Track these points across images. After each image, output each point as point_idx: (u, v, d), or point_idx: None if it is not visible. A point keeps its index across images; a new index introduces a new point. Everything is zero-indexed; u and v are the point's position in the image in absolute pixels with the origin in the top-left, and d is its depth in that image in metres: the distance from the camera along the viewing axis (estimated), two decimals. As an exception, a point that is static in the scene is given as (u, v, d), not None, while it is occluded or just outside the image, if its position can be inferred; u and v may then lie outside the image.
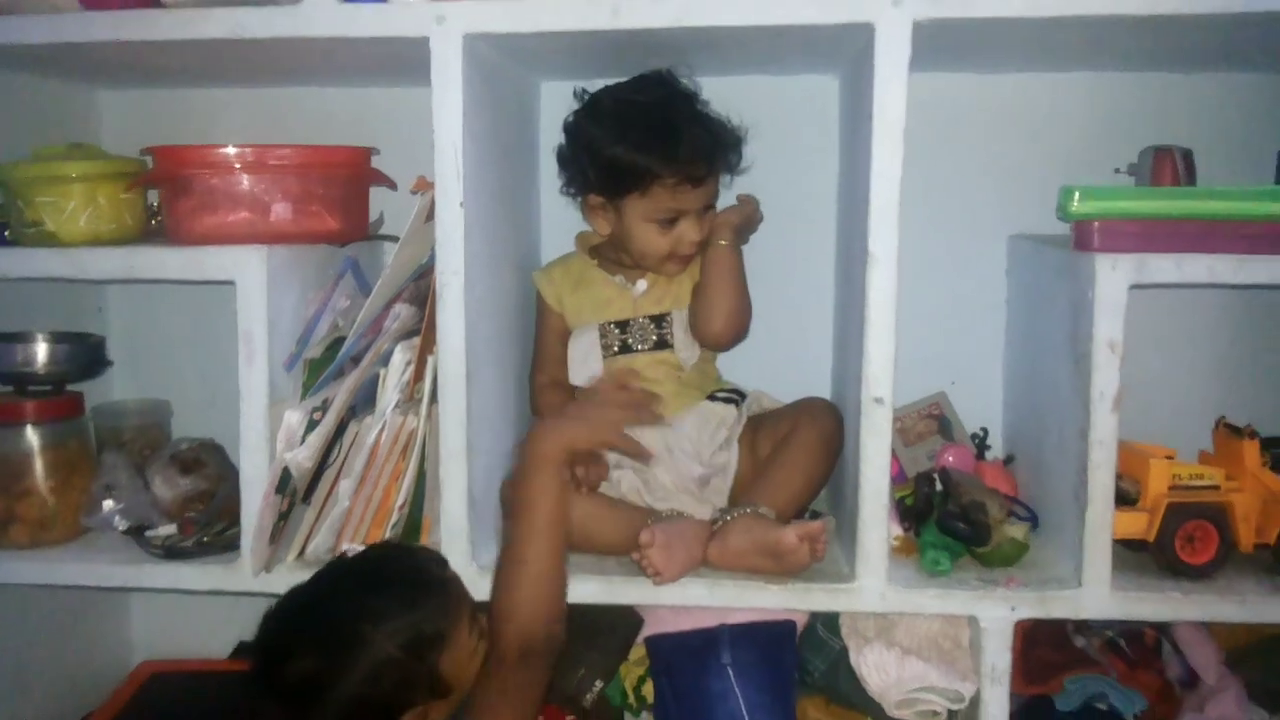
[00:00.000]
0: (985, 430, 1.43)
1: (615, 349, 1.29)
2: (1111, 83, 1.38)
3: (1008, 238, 1.42)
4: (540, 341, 1.34)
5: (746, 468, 1.26)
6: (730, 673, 1.16)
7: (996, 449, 1.43)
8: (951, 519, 1.18)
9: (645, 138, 1.20)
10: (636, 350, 1.29)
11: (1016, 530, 1.18)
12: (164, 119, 1.50)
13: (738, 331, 1.28)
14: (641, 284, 1.29)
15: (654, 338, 1.29)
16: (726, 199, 1.32)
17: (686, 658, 1.17)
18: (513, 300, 1.31)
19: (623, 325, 1.29)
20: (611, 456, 1.27)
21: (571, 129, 1.27)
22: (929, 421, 1.43)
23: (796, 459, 1.21)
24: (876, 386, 1.09)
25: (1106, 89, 1.38)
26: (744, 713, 1.15)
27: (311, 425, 1.12)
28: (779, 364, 1.40)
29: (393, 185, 1.31)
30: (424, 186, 1.15)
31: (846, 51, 1.23)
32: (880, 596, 1.12)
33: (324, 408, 1.12)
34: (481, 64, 1.15)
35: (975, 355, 1.44)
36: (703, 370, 1.32)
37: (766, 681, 1.16)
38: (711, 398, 1.30)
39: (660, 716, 1.21)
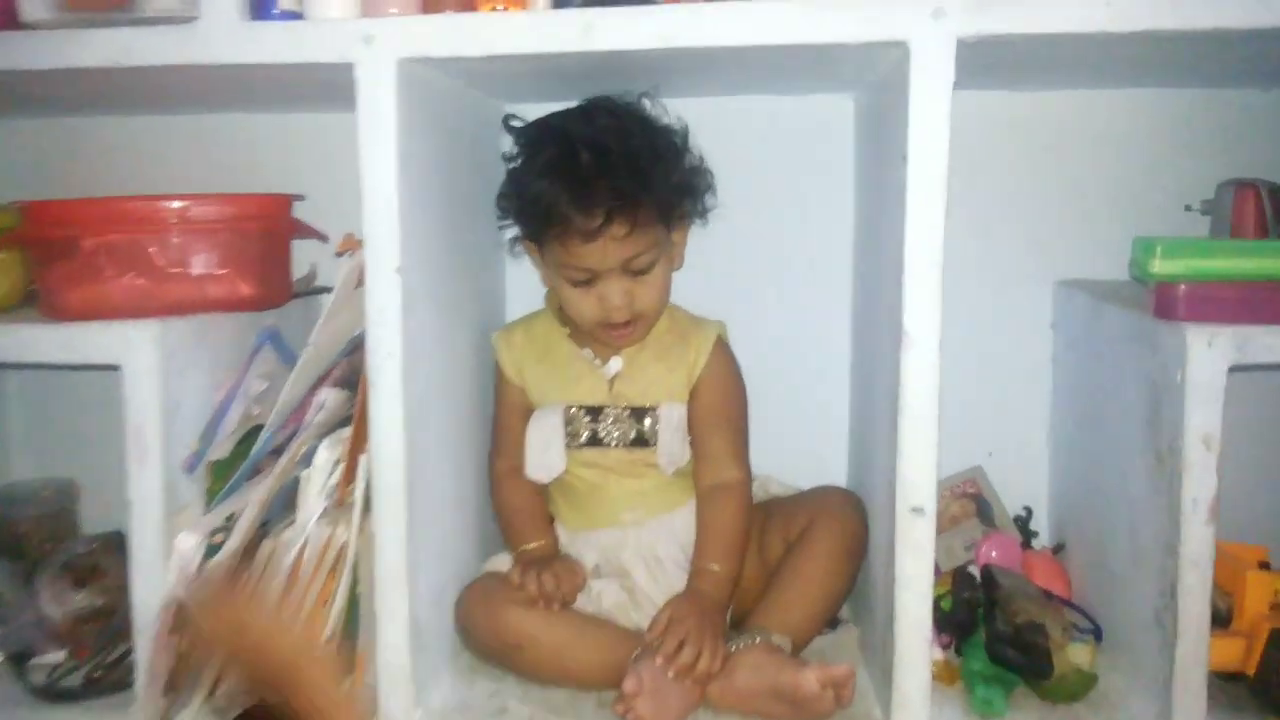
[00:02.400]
0: (1029, 511, 1.22)
1: (582, 438, 1.06)
2: (1178, 100, 1.17)
3: (1054, 284, 1.21)
4: (499, 419, 1.12)
5: (753, 572, 1.05)
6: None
7: (1041, 531, 1.22)
8: (1003, 645, 0.97)
9: (545, 175, 0.99)
10: (608, 445, 1.06)
11: (1081, 655, 0.97)
12: (50, 154, 1.27)
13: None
14: (615, 362, 1.07)
15: (631, 434, 1.06)
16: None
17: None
18: (472, 379, 1.09)
19: (594, 411, 1.06)
20: (590, 559, 1.06)
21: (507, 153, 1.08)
22: (964, 502, 1.21)
23: (814, 570, 1.00)
24: (915, 494, 0.88)
25: (1172, 106, 1.17)
26: None
27: (212, 551, 0.90)
28: (784, 438, 1.18)
29: (322, 238, 1.09)
30: (352, 246, 0.93)
31: (867, 72, 1.01)
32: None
33: (228, 527, 0.90)
34: (424, 92, 0.93)
35: (1016, 421, 1.22)
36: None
37: None
38: None
39: None
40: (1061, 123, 1.19)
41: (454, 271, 1.03)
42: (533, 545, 1.07)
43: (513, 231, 1.09)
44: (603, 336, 1.05)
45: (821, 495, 1.07)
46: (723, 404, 1.06)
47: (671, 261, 1.06)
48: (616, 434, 1.05)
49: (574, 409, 1.06)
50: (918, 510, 0.88)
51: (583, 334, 1.08)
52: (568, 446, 1.06)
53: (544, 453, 1.05)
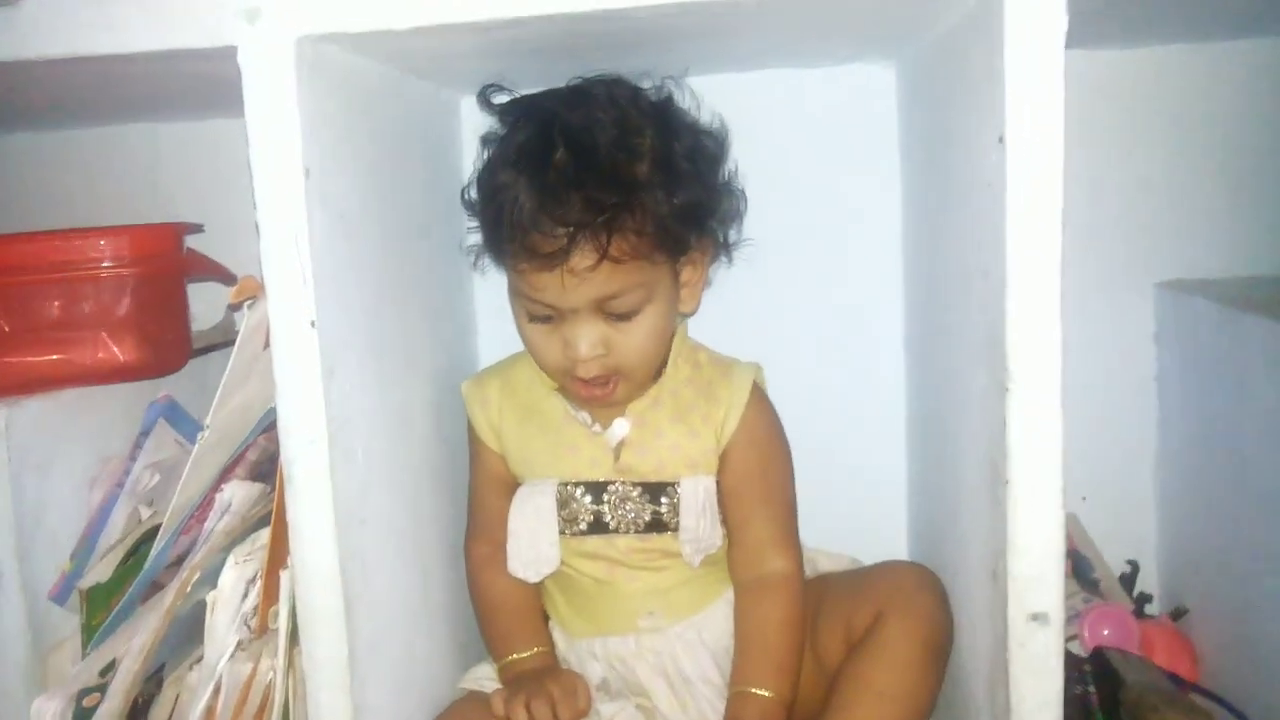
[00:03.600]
0: (1135, 566, 0.99)
1: (582, 524, 0.81)
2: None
3: (1154, 286, 0.97)
4: (475, 491, 0.87)
5: (806, 677, 0.81)
6: None
7: (1153, 592, 0.99)
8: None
9: (509, 167, 0.75)
10: (616, 531, 0.81)
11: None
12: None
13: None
14: (620, 425, 0.81)
15: (646, 517, 0.81)
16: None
17: None
18: (433, 445, 0.84)
19: (596, 489, 0.81)
20: (595, 674, 0.83)
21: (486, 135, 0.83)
22: (1056, 561, 0.98)
23: (891, 684, 0.75)
24: (1036, 596, 0.64)
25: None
26: None
27: (84, 715, 0.67)
28: (827, 502, 0.94)
29: (228, 279, 0.85)
30: (251, 292, 0.69)
31: (924, 25, 0.78)
32: None
33: (101, 688, 0.67)
34: (341, 83, 0.69)
35: (1114, 458, 0.99)
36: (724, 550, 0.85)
37: None
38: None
39: None
40: (1165, 81, 0.95)
41: (399, 313, 0.79)
42: (522, 654, 0.83)
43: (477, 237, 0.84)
44: (574, 392, 0.80)
45: (891, 576, 0.82)
46: (762, 473, 0.82)
47: (675, 304, 0.80)
48: (626, 517, 0.81)
49: (569, 486, 0.81)
50: (1040, 618, 0.64)
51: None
52: (563, 534, 0.81)
53: (532, 545, 0.81)
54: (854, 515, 0.95)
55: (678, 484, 0.80)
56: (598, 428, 0.81)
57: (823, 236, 0.98)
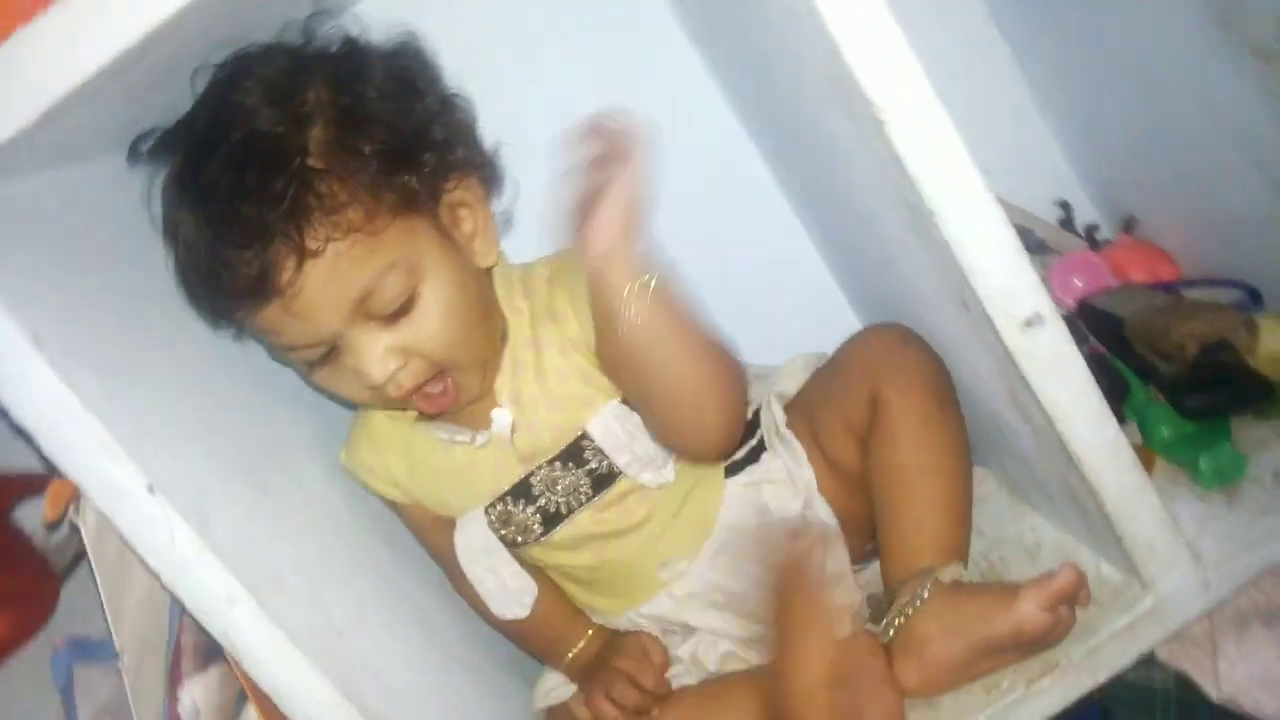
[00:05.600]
0: (1066, 205, 0.94)
1: (537, 529, 0.71)
2: None
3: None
4: (425, 545, 0.77)
5: (828, 488, 0.75)
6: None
7: (1095, 219, 0.95)
8: (1188, 393, 0.71)
9: (171, 236, 0.63)
10: (570, 513, 0.71)
11: (1276, 334, 0.71)
12: None
13: (736, 417, 0.68)
14: (499, 416, 0.68)
15: (585, 483, 0.70)
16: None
17: None
18: (362, 521, 0.75)
19: (520, 492, 0.71)
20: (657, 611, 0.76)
21: None
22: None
23: (923, 456, 0.69)
24: (1018, 304, 0.58)
25: None
26: None
27: None
28: (763, 316, 0.85)
29: (33, 486, 0.71)
30: (66, 494, 0.57)
31: None
32: (1204, 587, 0.64)
33: None
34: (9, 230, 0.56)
35: (996, 121, 0.92)
36: None
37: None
38: (732, 472, 0.75)
39: None
40: None
41: (237, 421, 0.68)
42: (578, 646, 0.76)
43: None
44: (420, 410, 0.67)
45: (861, 352, 0.74)
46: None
47: (467, 264, 0.66)
48: (569, 495, 0.70)
49: (495, 505, 0.71)
50: (1034, 321, 0.58)
51: None
52: (526, 546, 0.72)
53: (499, 585, 0.72)
54: (790, 318, 0.89)
55: (586, 427, 0.69)
56: (480, 437, 0.69)
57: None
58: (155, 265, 0.69)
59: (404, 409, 0.69)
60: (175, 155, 0.62)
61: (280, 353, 0.65)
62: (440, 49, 0.69)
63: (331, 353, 0.63)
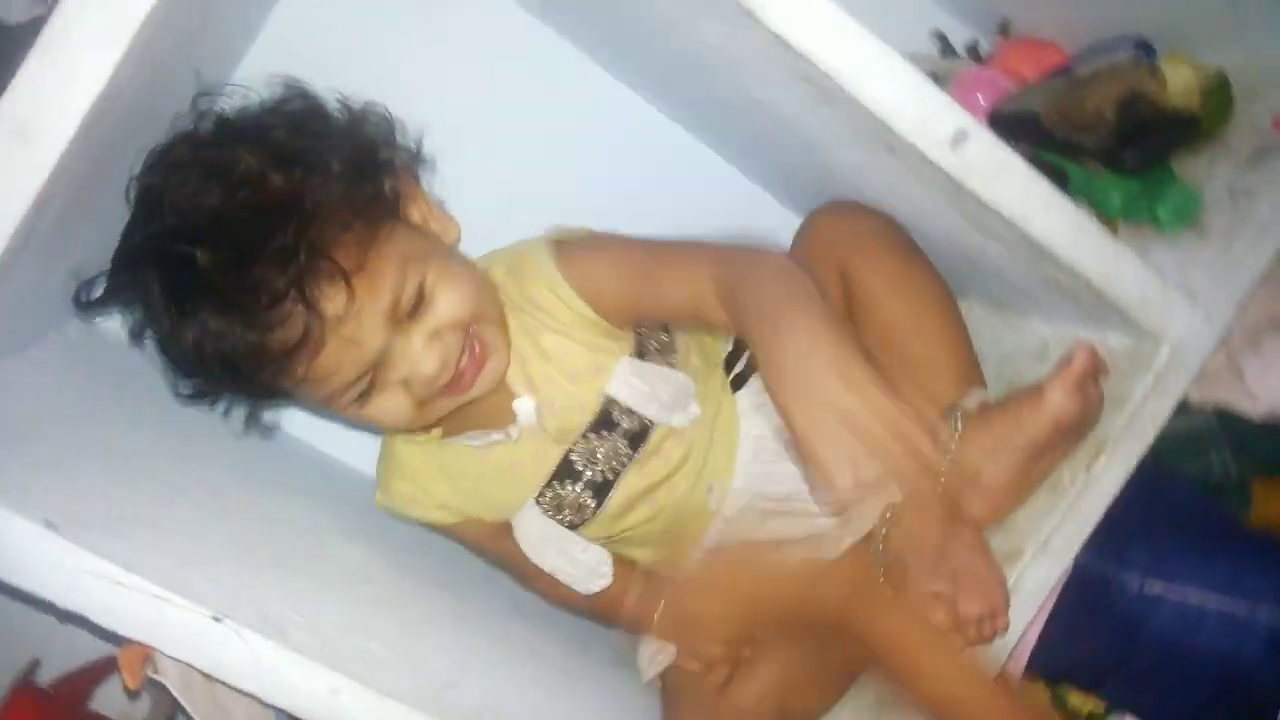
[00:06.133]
0: (940, 34, 0.96)
1: (591, 503, 0.72)
2: None
3: None
4: (487, 556, 0.78)
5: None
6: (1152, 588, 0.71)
7: (972, 37, 0.97)
8: (1122, 151, 0.73)
9: (196, 344, 0.62)
10: (617, 479, 0.71)
11: (1179, 71, 0.73)
12: None
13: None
14: (522, 405, 0.70)
15: (623, 444, 0.71)
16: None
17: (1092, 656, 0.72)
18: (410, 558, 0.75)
19: (566, 472, 0.71)
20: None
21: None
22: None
23: (909, 307, 0.71)
24: (936, 127, 0.60)
25: None
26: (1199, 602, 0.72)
27: None
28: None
29: (103, 670, 0.71)
30: (138, 659, 0.57)
31: None
32: (1207, 321, 0.67)
33: None
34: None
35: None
36: (703, 359, 0.76)
37: (1187, 550, 0.72)
38: (739, 385, 0.76)
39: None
40: None
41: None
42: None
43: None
44: (450, 405, 0.68)
45: (813, 238, 0.77)
46: (613, 262, 0.72)
47: (441, 245, 0.70)
48: (612, 462, 0.71)
49: (545, 494, 0.72)
50: (959, 138, 0.60)
51: (454, 419, 0.71)
52: (588, 524, 0.73)
53: (572, 563, 0.73)
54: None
55: (608, 395, 0.71)
56: (513, 431, 0.70)
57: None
58: (134, 405, 0.68)
59: (437, 419, 0.70)
60: (147, 279, 0.62)
61: (328, 401, 0.66)
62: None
63: (374, 379, 0.65)
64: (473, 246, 0.75)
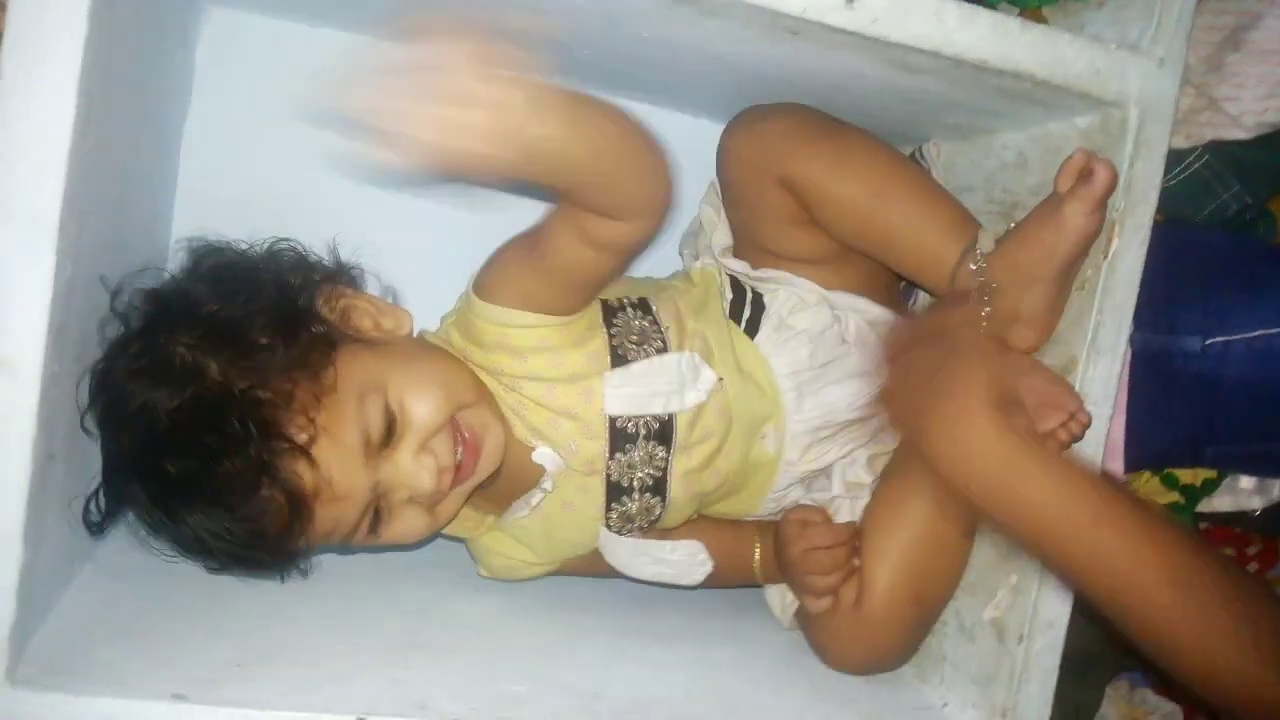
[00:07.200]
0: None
1: (657, 509, 0.72)
2: None
3: None
4: (608, 575, 0.77)
5: (832, 282, 0.76)
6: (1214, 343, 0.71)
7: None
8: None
9: (192, 540, 0.62)
10: (668, 476, 0.71)
11: None
12: None
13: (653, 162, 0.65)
14: (544, 454, 0.69)
15: (650, 444, 0.70)
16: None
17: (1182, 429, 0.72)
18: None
19: (616, 495, 0.71)
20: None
21: None
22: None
23: (865, 183, 0.70)
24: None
25: None
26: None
27: None
28: None
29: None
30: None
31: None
32: (1160, 64, 0.64)
33: None
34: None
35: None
36: (700, 320, 0.74)
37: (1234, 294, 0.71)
38: (753, 331, 0.76)
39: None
40: None
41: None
42: (757, 557, 0.79)
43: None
44: (462, 487, 0.67)
45: (735, 160, 0.74)
46: (524, 253, 0.69)
47: (397, 346, 0.68)
48: (650, 466, 0.71)
49: (612, 517, 0.72)
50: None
51: (490, 501, 0.73)
52: (654, 524, 0.74)
53: (670, 565, 0.75)
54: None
55: (608, 415, 0.69)
56: (547, 483, 0.70)
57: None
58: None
59: (487, 514, 0.72)
60: (134, 492, 0.62)
61: (343, 544, 0.66)
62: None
63: (379, 509, 0.64)
64: (437, 314, 0.75)
